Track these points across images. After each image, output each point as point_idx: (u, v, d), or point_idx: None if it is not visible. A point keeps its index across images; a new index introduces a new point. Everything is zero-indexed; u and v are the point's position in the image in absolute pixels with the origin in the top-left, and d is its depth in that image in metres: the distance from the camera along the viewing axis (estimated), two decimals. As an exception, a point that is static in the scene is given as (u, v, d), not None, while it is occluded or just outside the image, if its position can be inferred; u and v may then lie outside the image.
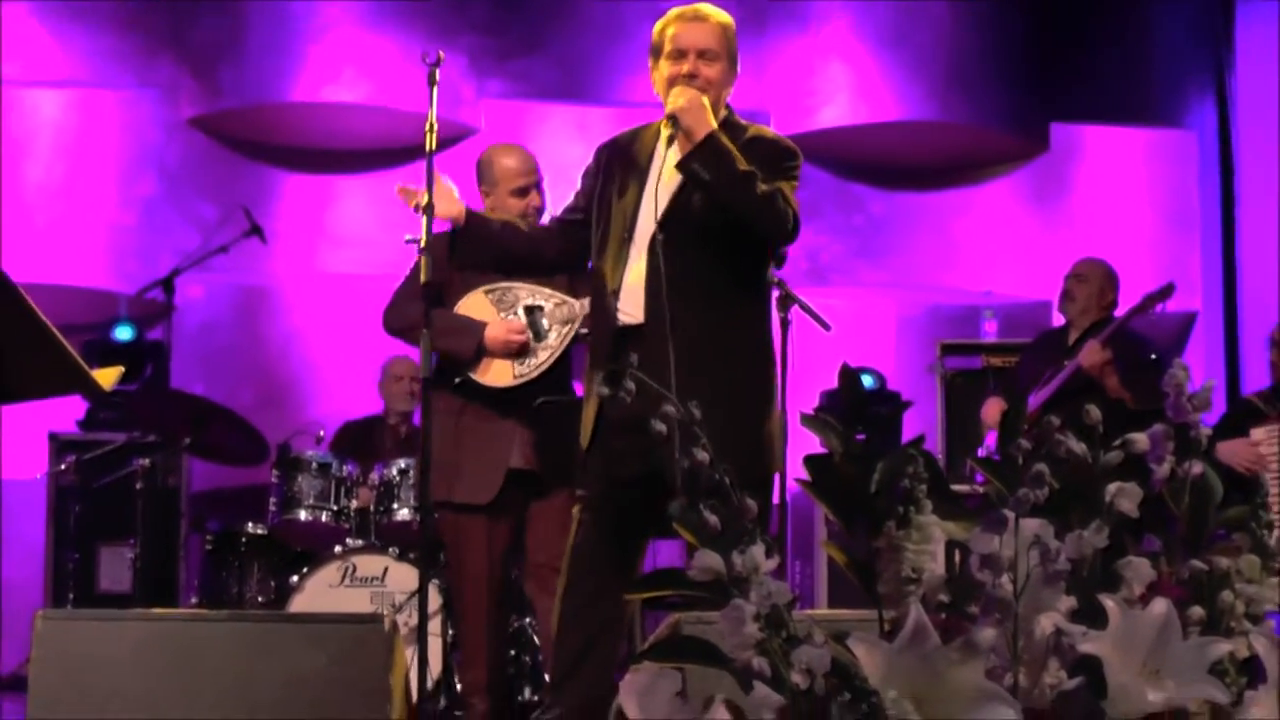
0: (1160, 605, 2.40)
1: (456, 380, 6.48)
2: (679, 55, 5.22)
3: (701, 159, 5.03)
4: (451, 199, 5.41)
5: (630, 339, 5.04)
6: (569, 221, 5.47)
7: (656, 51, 5.30)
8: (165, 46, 10.59)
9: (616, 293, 5.13)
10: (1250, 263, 10.42)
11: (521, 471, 6.44)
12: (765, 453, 5.15)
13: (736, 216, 5.11)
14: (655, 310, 5.02)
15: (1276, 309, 9.25)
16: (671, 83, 5.20)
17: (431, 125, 5.54)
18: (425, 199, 5.51)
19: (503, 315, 6.46)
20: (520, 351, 6.42)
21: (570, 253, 5.49)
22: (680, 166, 5.06)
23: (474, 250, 5.56)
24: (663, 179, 5.17)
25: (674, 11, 5.33)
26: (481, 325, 6.39)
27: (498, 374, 6.45)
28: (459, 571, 6.66)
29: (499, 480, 6.43)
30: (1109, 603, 2.39)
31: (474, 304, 6.51)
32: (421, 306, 6.37)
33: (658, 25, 5.33)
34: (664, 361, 4.82)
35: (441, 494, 6.47)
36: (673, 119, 5.08)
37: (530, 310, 6.49)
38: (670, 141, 5.15)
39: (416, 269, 6.46)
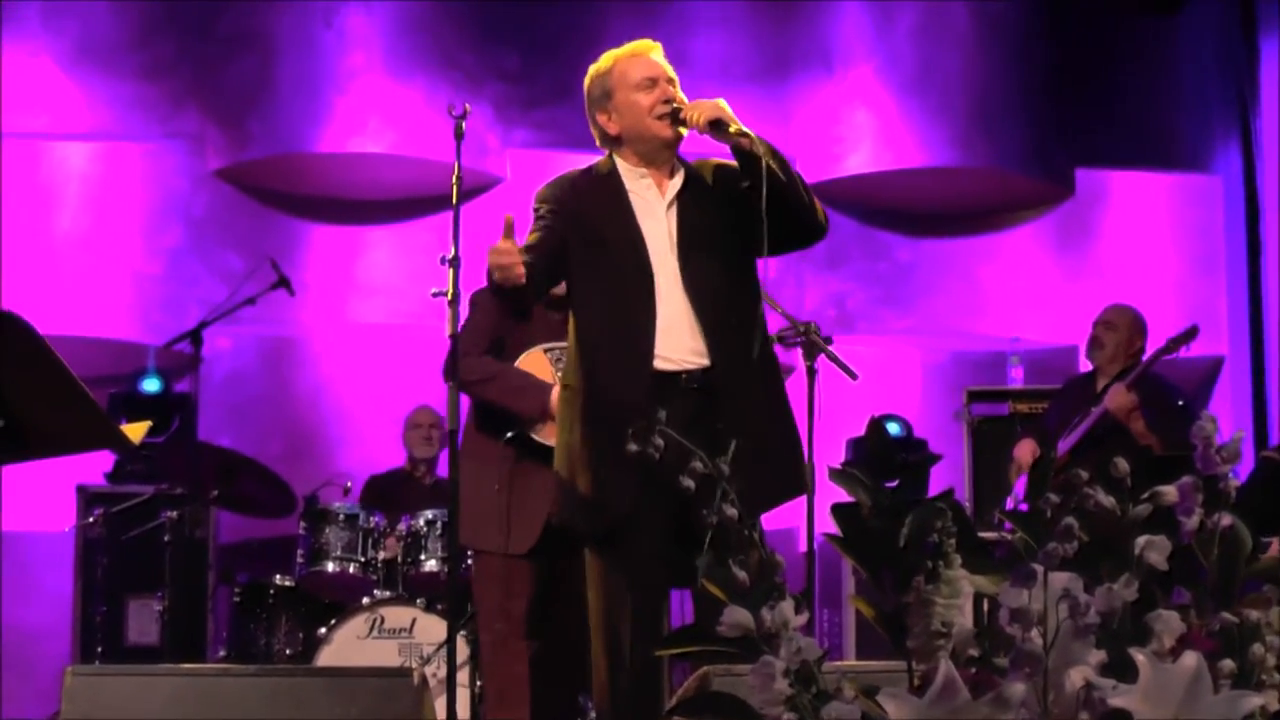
0: (1190, 659, 2.39)
1: (509, 435, 6.50)
2: (651, 84, 5.19)
3: (773, 158, 5.02)
4: (516, 259, 5.22)
5: (674, 385, 5.02)
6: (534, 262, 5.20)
7: (608, 94, 5.20)
8: (191, 97, 10.63)
9: (647, 338, 5.10)
10: (1276, 306, 10.40)
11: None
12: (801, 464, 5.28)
13: (792, 216, 5.06)
14: (722, 348, 5.03)
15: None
16: (651, 110, 5.16)
17: (458, 178, 5.54)
18: (452, 252, 5.52)
19: (558, 374, 6.46)
20: None
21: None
22: (752, 171, 5.00)
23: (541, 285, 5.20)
24: (656, 214, 5.15)
25: (623, 51, 5.27)
26: (549, 386, 6.37)
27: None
28: (501, 613, 6.68)
29: (538, 530, 6.44)
30: (1139, 656, 2.38)
31: (534, 362, 6.50)
32: (487, 360, 6.42)
33: (603, 68, 5.24)
34: (735, 406, 4.95)
35: (496, 544, 6.53)
36: (717, 124, 5.03)
37: None
38: (672, 174, 5.16)
39: (473, 322, 6.52)
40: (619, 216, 5.14)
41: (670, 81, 5.19)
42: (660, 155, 5.21)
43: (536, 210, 5.21)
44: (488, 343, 6.56)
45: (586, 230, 5.15)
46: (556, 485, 5.23)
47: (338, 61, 10.50)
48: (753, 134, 5.02)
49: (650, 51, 5.26)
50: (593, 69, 5.28)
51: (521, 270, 4.88)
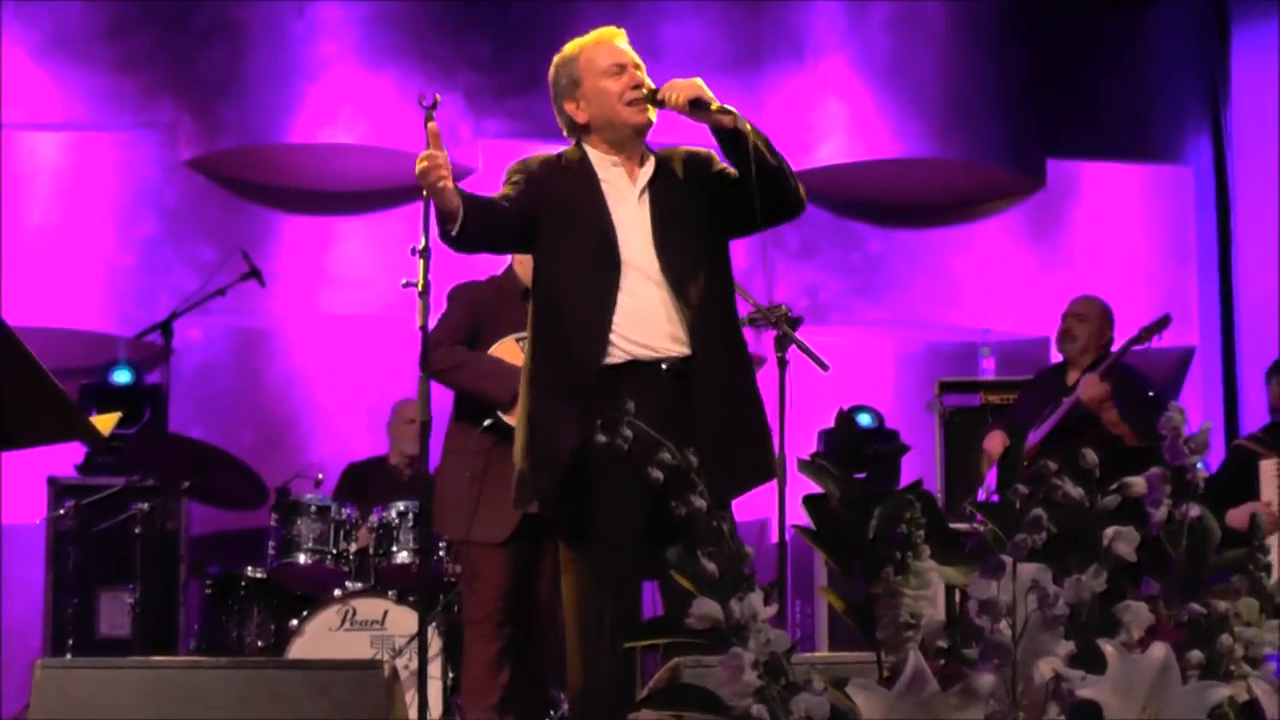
0: (1159, 649, 2.39)
1: (485, 423, 6.53)
2: (620, 70, 5.18)
3: (758, 137, 5.02)
4: (443, 168, 4.96)
5: (631, 374, 5.02)
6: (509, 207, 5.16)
7: (576, 81, 5.19)
8: (163, 88, 10.60)
9: (606, 324, 5.07)
10: (1248, 297, 10.43)
11: (538, 515, 6.48)
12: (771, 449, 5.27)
13: (778, 191, 5.06)
14: (701, 335, 5.03)
15: (1274, 343, 9.25)
16: (622, 95, 5.15)
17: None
18: (423, 243, 5.52)
19: None
20: None
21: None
22: (738, 149, 4.99)
23: (482, 227, 5.05)
24: (629, 201, 5.15)
25: (588, 39, 5.25)
26: (519, 371, 6.40)
27: None
28: (471, 602, 6.72)
29: (514, 520, 6.46)
30: (1108, 647, 2.39)
31: (506, 351, 6.54)
32: (458, 349, 6.45)
33: (568, 55, 5.23)
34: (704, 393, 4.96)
35: (460, 533, 6.71)
36: (698, 104, 5.01)
37: None
38: (642, 161, 5.16)
39: (448, 314, 6.57)
40: (590, 200, 5.13)
41: (637, 67, 5.18)
42: (630, 142, 5.20)
43: (508, 178, 5.19)
44: (461, 335, 6.61)
45: (557, 208, 5.13)
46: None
47: (310, 52, 10.48)
48: (734, 110, 5.02)
49: (615, 38, 5.25)
50: (557, 58, 5.27)
51: (448, 182, 4.82)
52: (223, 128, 10.52)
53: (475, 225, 4.93)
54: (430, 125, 4.91)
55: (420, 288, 5.65)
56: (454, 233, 4.91)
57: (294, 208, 10.88)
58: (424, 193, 5.06)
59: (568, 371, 5.04)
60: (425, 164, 4.82)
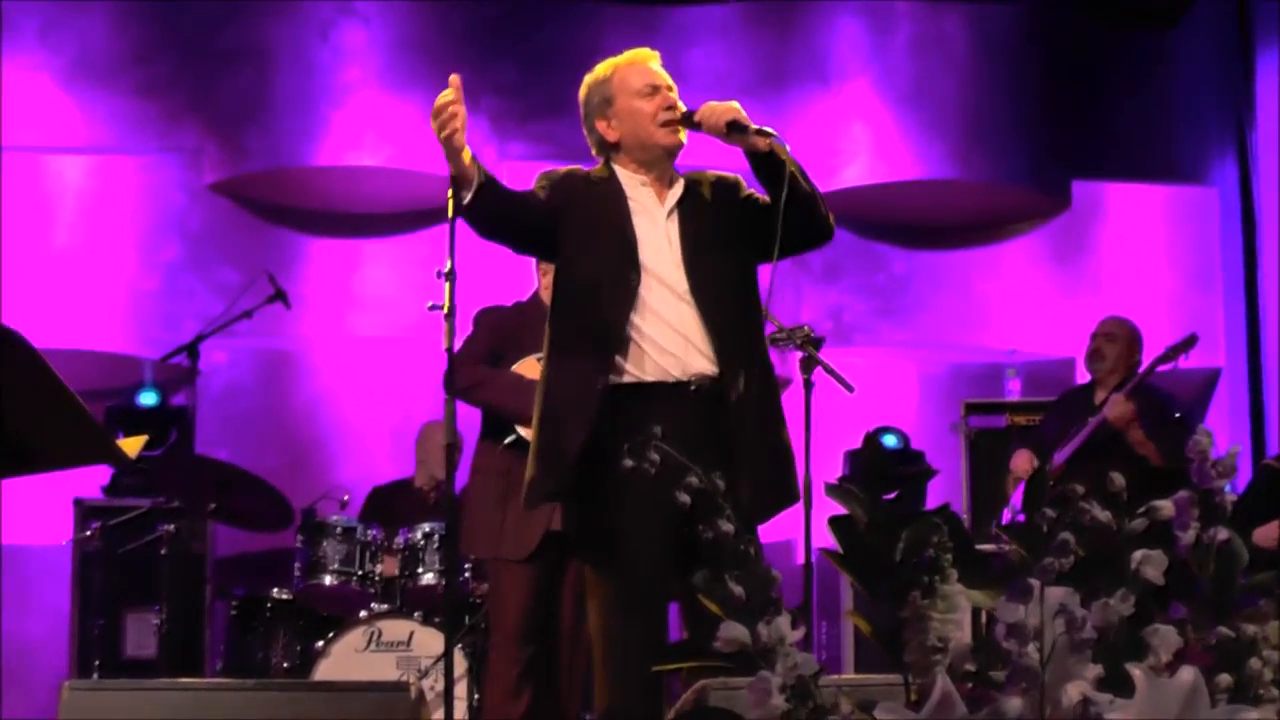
0: (1187, 673, 2.39)
1: (507, 440, 6.57)
2: (653, 91, 5.19)
3: (793, 163, 5.03)
4: (458, 111, 4.92)
5: (659, 394, 5.02)
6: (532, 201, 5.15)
7: (609, 100, 5.18)
8: (187, 111, 10.63)
9: (625, 335, 5.02)
10: (1273, 318, 10.40)
11: (560, 533, 6.49)
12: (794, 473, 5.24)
13: (808, 218, 5.07)
14: (730, 356, 5.03)
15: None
16: (655, 116, 5.16)
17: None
18: (448, 266, 5.53)
19: None
20: None
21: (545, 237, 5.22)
22: (773, 173, 4.99)
23: (497, 205, 5.03)
24: (656, 221, 5.15)
25: (622, 59, 5.26)
26: None
27: None
28: (496, 617, 6.76)
29: (537, 538, 6.50)
30: (1136, 671, 2.38)
31: (527, 368, 6.58)
32: (480, 367, 6.49)
33: (602, 76, 5.23)
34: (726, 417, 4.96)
35: (486, 551, 6.78)
36: (735, 126, 5.01)
37: None
38: (670, 183, 5.16)
39: (472, 336, 6.61)
40: (615, 216, 5.12)
41: (670, 89, 5.20)
42: (660, 163, 5.20)
43: (536, 183, 5.18)
44: (483, 356, 6.65)
45: (582, 219, 5.13)
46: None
47: (334, 76, 10.51)
48: (773, 132, 5.02)
49: (650, 60, 5.26)
50: (590, 77, 5.27)
51: (460, 132, 4.83)
52: (247, 152, 10.55)
53: (490, 199, 4.94)
54: (453, 77, 4.92)
55: (446, 310, 5.66)
56: (466, 201, 4.92)
57: (319, 231, 10.90)
58: (450, 214, 5.07)
59: (583, 380, 5.04)
60: (439, 103, 4.84)
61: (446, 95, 4.87)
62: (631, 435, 2.79)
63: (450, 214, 5.42)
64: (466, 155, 4.88)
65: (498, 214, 5.04)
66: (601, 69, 5.27)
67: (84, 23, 10.55)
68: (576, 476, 4.98)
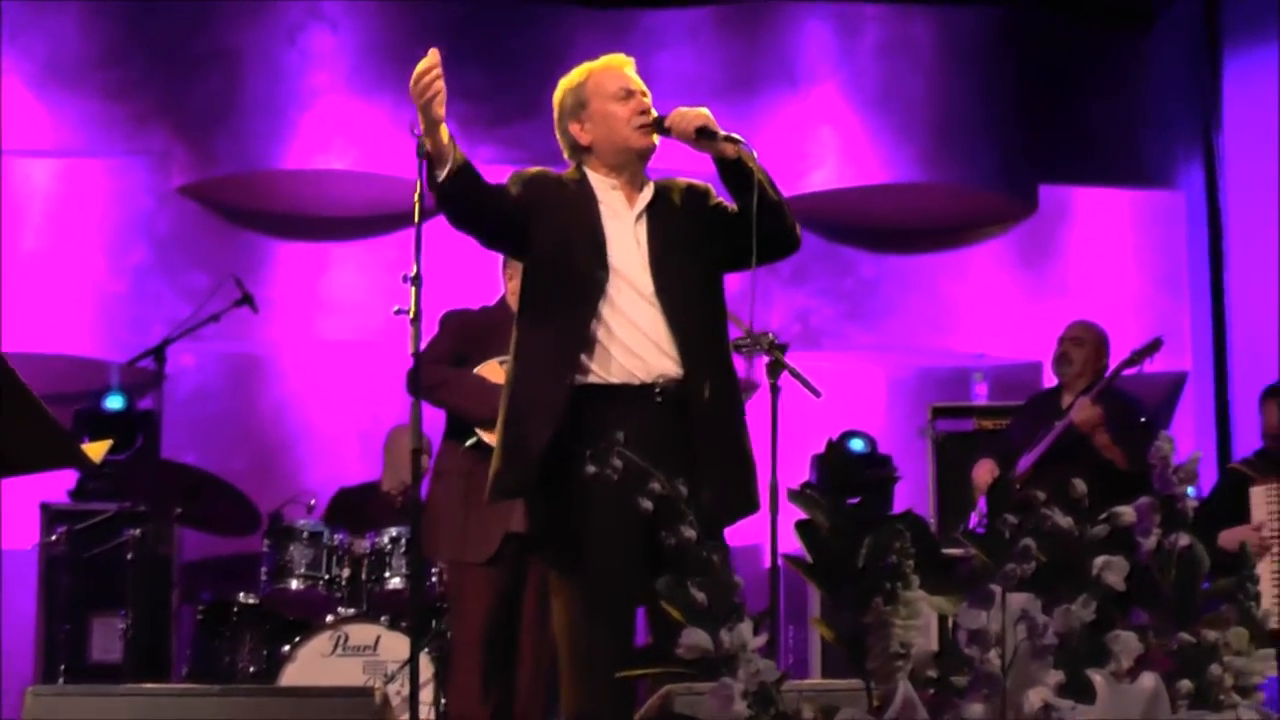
0: (1149, 679, 2.39)
1: (469, 442, 6.58)
2: (628, 95, 5.20)
3: (760, 171, 5.04)
4: (437, 78, 5.04)
5: (623, 396, 5.01)
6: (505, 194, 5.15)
7: (583, 104, 5.20)
8: (156, 114, 10.60)
9: (590, 334, 5.01)
10: (1240, 322, 10.43)
11: (521, 535, 6.48)
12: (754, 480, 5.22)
13: (775, 227, 5.08)
14: (694, 359, 5.03)
15: (1266, 367, 9.25)
16: (629, 120, 5.17)
17: (420, 196, 5.51)
18: (414, 271, 5.53)
19: None
20: None
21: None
22: (741, 180, 5.00)
23: (471, 189, 5.02)
24: (625, 223, 5.15)
25: (597, 64, 5.28)
26: (500, 389, 6.43)
27: None
28: (459, 621, 6.80)
29: (497, 540, 6.52)
30: (1097, 677, 2.39)
31: (490, 371, 6.59)
32: (442, 367, 6.51)
33: (576, 80, 5.24)
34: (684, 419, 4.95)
35: (449, 555, 6.82)
36: (704, 132, 5.03)
37: None
38: (640, 187, 5.16)
39: (437, 338, 6.62)
40: (586, 217, 5.13)
41: (644, 94, 5.21)
42: (631, 166, 5.21)
43: (508, 182, 5.18)
44: (446, 358, 6.66)
45: (551, 218, 5.13)
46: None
47: (302, 80, 10.49)
48: (741, 139, 5.03)
49: (625, 65, 5.28)
50: (564, 81, 5.28)
51: (440, 92, 4.92)
52: (215, 155, 10.53)
53: (465, 182, 4.94)
54: (432, 50, 4.95)
55: (412, 315, 5.65)
56: (441, 178, 4.92)
57: (286, 234, 10.89)
58: (416, 219, 5.07)
59: (549, 379, 5.03)
60: (419, 70, 4.92)
61: (426, 62, 4.89)
62: (596, 436, 2.79)
63: (416, 218, 5.45)
64: (444, 131, 4.90)
65: (472, 197, 5.04)
66: (576, 73, 5.28)
67: (53, 25, 10.53)
68: (540, 475, 4.98)
